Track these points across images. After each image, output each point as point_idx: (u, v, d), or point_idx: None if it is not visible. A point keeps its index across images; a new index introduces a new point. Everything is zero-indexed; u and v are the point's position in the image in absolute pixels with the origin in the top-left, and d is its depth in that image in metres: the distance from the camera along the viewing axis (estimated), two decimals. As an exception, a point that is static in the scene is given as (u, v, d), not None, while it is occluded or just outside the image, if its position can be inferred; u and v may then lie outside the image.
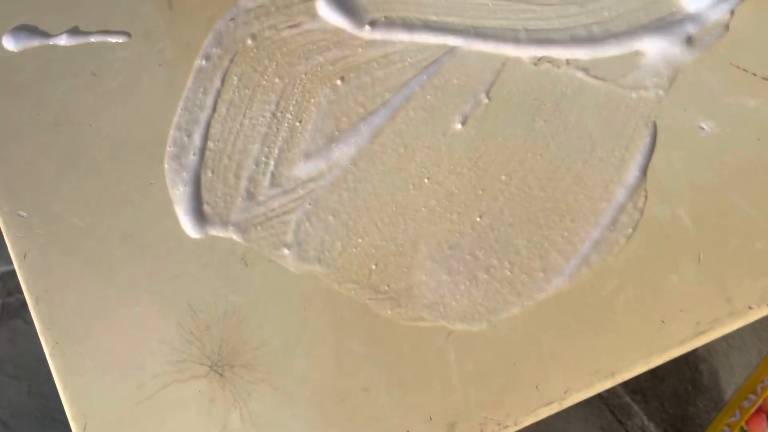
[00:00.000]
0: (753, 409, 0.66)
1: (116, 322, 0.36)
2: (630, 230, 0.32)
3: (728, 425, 0.69)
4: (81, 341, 0.36)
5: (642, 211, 0.32)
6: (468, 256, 0.34)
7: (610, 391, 0.75)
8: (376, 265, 0.35)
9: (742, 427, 0.67)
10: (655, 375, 0.75)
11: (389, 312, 0.34)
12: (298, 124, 0.37)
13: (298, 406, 0.34)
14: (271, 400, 0.34)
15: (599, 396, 0.75)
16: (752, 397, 0.70)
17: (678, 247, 0.31)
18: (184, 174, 0.37)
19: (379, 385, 0.33)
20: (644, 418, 0.74)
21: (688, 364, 0.75)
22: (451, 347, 0.33)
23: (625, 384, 0.74)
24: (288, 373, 0.34)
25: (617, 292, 0.32)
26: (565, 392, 0.31)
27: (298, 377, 0.34)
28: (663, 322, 0.31)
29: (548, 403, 0.32)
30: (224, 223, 0.36)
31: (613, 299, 0.32)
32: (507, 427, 0.32)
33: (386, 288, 0.34)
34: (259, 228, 0.36)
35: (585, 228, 0.33)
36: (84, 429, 0.36)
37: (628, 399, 0.76)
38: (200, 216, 0.37)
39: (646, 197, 0.32)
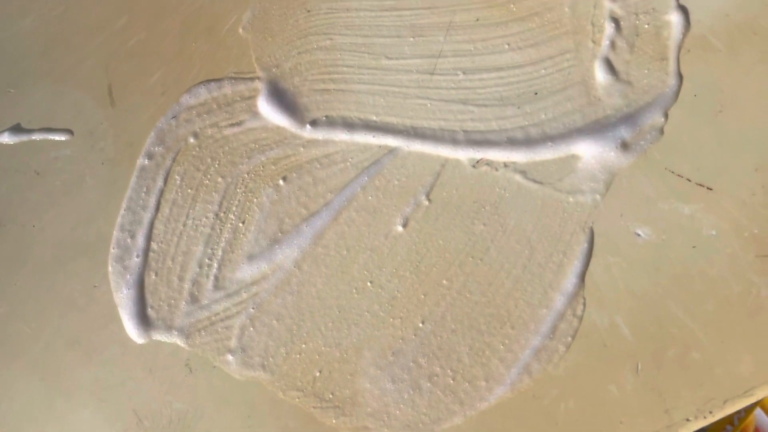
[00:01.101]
0: (730, 441, 0.66)
1: (64, 429, 0.36)
2: (569, 338, 0.32)
3: (706, 456, 0.69)
4: (29, 449, 0.36)
5: (581, 319, 0.32)
6: (411, 363, 0.33)
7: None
8: (320, 371, 0.34)
9: (720, 459, 0.66)
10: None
11: (334, 421, 0.34)
12: (241, 224, 0.37)
13: None
14: None
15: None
16: (729, 428, 0.70)
17: (616, 356, 0.31)
18: (128, 276, 0.37)
19: (325, 495, 0.33)
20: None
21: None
22: (395, 457, 0.33)
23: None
24: (234, 483, 0.34)
25: (558, 402, 0.32)
26: (507, 504, 0.31)
27: (244, 488, 0.34)
28: (603, 433, 0.31)
29: None
30: (168, 328, 0.36)
31: (554, 409, 0.32)
32: None
33: (330, 396, 0.34)
34: (203, 333, 0.36)
35: (525, 335, 0.33)
36: None
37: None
38: (144, 320, 0.36)
39: (584, 305, 0.32)
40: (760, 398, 0.29)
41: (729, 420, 0.71)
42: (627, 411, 0.31)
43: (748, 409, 0.69)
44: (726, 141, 0.32)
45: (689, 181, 0.32)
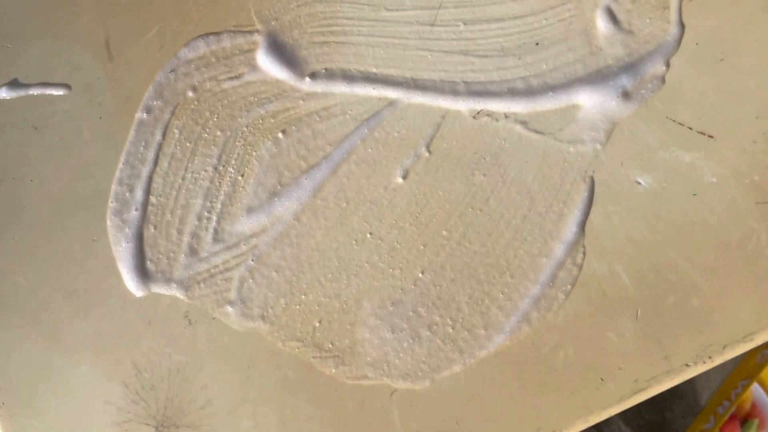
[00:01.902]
0: (727, 416, 0.67)
1: (62, 383, 0.36)
2: (569, 287, 0.32)
3: (703, 431, 0.69)
4: (27, 402, 0.36)
5: (580, 268, 0.32)
6: (411, 313, 0.33)
7: (587, 400, 0.75)
8: (319, 322, 0.34)
9: (716, 434, 0.67)
10: (630, 383, 0.75)
11: (333, 370, 0.34)
12: (240, 178, 0.36)
13: (244, 467, 0.34)
14: (216, 461, 0.34)
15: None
16: (726, 403, 0.71)
17: (616, 304, 0.31)
18: (127, 230, 0.37)
19: (324, 444, 0.33)
20: (621, 423, 0.75)
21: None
22: (394, 406, 0.33)
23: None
24: (233, 433, 0.34)
25: (557, 350, 0.32)
26: (506, 451, 0.32)
27: (244, 437, 0.34)
28: (602, 380, 0.31)
29: (490, 462, 0.32)
30: (167, 281, 0.36)
31: (554, 357, 0.32)
32: (450, 486, 0.32)
33: (330, 346, 0.34)
34: (202, 285, 0.36)
35: (525, 284, 0.32)
36: (31, 491, 0.35)
37: (604, 406, 0.76)
38: (143, 273, 0.36)
39: (584, 253, 0.32)
40: (759, 343, 0.29)
41: (726, 395, 0.72)
42: (626, 358, 0.31)
43: (745, 385, 0.69)
44: (727, 89, 0.32)
45: (690, 129, 0.32)
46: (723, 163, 0.31)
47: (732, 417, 0.68)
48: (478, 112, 0.34)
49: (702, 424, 0.70)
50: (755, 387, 0.67)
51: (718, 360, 0.30)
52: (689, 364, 0.30)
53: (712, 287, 0.30)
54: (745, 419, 0.67)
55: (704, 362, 0.30)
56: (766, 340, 0.30)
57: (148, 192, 0.37)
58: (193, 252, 0.36)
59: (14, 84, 0.40)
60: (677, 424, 0.74)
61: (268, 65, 0.37)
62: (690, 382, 0.75)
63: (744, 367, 0.70)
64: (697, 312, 0.30)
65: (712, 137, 0.31)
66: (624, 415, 0.76)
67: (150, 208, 0.37)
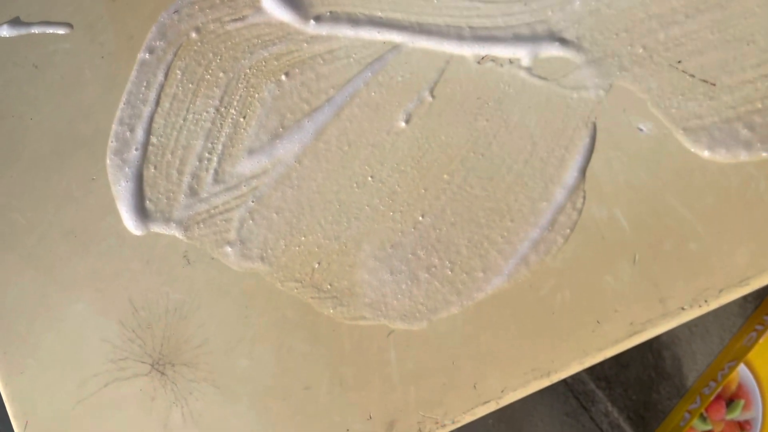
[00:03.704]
0: (713, 396, 0.67)
1: (57, 320, 0.36)
2: (568, 231, 0.32)
3: (689, 411, 0.70)
4: (22, 339, 0.36)
5: (580, 212, 0.32)
6: (410, 255, 0.34)
7: (575, 378, 0.76)
8: (319, 263, 0.34)
9: (702, 414, 0.68)
10: (619, 362, 0.76)
11: (331, 311, 0.34)
12: (242, 119, 0.36)
13: (240, 405, 0.34)
14: (212, 399, 0.34)
15: (564, 382, 0.76)
16: (712, 384, 0.71)
17: (614, 248, 0.32)
18: (127, 169, 0.37)
19: (320, 383, 0.34)
20: (608, 404, 0.75)
21: (651, 351, 0.76)
22: (391, 346, 0.33)
23: (590, 370, 0.75)
24: (230, 371, 0.34)
25: (554, 293, 0.32)
26: (501, 391, 0.32)
27: (240, 376, 0.34)
28: (598, 322, 0.31)
29: (485, 402, 0.32)
30: (167, 220, 0.36)
31: (551, 299, 0.32)
32: (444, 425, 0.32)
33: (329, 287, 0.34)
34: (201, 225, 0.36)
35: (524, 228, 0.33)
36: (25, 427, 0.35)
37: (592, 385, 0.77)
38: (142, 212, 0.36)
39: (584, 198, 0.32)
40: (755, 288, 0.30)
41: (712, 376, 0.72)
42: (622, 300, 0.31)
43: (732, 366, 0.70)
44: (729, 37, 0.32)
45: (693, 76, 0.32)
46: (724, 110, 0.32)
47: (718, 397, 0.69)
48: (483, 58, 0.34)
49: (688, 405, 0.71)
50: (741, 368, 0.68)
51: (714, 304, 0.30)
52: (685, 307, 0.30)
53: (709, 232, 0.31)
54: (731, 400, 0.68)
55: (700, 306, 0.30)
56: (762, 284, 0.30)
57: (148, 132, 0.37)
58: (193, 192, 0.36)
59: (16, 22, 0.39)
60: (663, 404, 0.74)
61: (272, 7, 0.37)
62: (677, 364, 0.76)
63: (731, 349, 0.71)
64: (694, 256, 0.31)
65: (714, 85, 0.32)
66: (611, 395, 0.76)
67: (150, 148, 0.37)
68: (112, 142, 0.37)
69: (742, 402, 0.69)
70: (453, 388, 0.32)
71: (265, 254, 0.35)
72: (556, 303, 0.32)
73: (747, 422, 0.68)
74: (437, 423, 0.32)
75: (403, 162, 0.34)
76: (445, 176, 0.34)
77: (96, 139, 0.37)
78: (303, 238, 0.35)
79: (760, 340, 0.67)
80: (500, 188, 0.33)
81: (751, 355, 0.69)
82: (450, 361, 0.32)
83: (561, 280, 0.32)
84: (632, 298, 0.31)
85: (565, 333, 0.31)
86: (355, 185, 0.35)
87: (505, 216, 0.33)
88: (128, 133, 0.37)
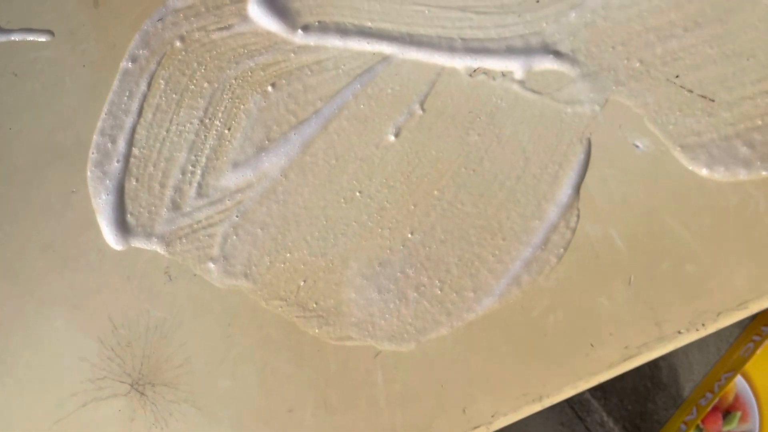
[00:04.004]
0: (709, 408, 0.66)
1: (35, 338, 0.35)
2: (561, 250, 0.31)
3: (685, 423, 0.69)
4: (-2, 356, 0.35)
5: (574, 231, 0.31)
6: (398, 274, 0.33)
7: (570, 388, 0.75)
8: (304, 281, 0.33)
9: (698, 425, 0.67)
10: (614, 372, 0.75)
11: (317, 330, 0.33)
12: (226, 131, 0.35)
13: (221, 428, 0.33)
14: (192, 420, 0.33)
15: (559, 393, 0.75)
16: (709, 395, 0.70)
17: (609, 268, 0.31)
18: (108, 182, 0.36)
19: (305, 406, 0.32)
20: (603, 414, 0.74)
21: (647, 362, 0.74)
22: (378, 368, 0.32)
23: (585, 381, 0.74)
24: (211, 392, 0.33)
25: (547, 314, 0.31)
26: (492, 416, 0.31)
27: (222, 397, 0.33)
28: (592, 345, 0.30)
29: (475, 427, 0.31)
30: (148, 235, 0.35)
31: (543, 321, 0.31)
32: (433, 451, 0.31)
33: (314, 305, 0.33)
34: (184, 240, 0.35)
35: (516, 247, 0.32)
36: (0, 448, 0.34)
37: (587, 395, 0.76)
38: (123, 227, 0.35)
39: (578, 217, 0.31)
40: (754, 311, 0.29)
41: (709, 387, 0.71)
42: (617, 323, 0.30)
43: (729, 377, 0.69)
44: (729, 52, 0.31)
45: (691, 92, 0.31)
46: (723, 127, 0.31)
47: (714, 409, 0.68)
48: (475, 70, 0.33)
49: (684, 416, 0.70)
50: (739, 379, 0.67)
51: (711, 328, 0.29)
52: (681, 331, 0.29)
53: (707, 254, 0.30)
54: (727, 411, 0.67)
55: (697, 329, 0.29)
56: (762, 308, 0.29)
57: (130, 144, 0.36)
58: (175, 206, 0.35)
59: (-5, 28, 0.38)
60: (660, 415, 0.74)
61: (259, 16, 0.36)
62: (673, 374, 0.75)
63: (728, 360, 0.70)
64: (691, 278, 0.30)
65: (712, 101, 0.31)
66: (606, 405, 0.75)
67: (132, 160, 0.36)
68: (92, 153, 0.36)
69: (738, 414, 0.68)
70: (442, 412, 0.31)
71: (249, 271, 0.34)
72: (548, 325, 0.31)
73: (744, 434, 0.67)
74: (425, 448, 0.31)
75: (392, 177, 0.33)
76: (436, 192, 0.33)
77: (76, 150, 0.36)
78: (288, 255, 0.34)
79: (758, 351, 0.66)
80: (492, 205, 0.32)
81: (749, 366, 0.68)
82: (439, 384, 0.31)
83: (554, 301, 0.31)
84: (627, 320, 0.30)
85: (558, 356, 0.30)
86: (342, 200, 0.34)
87: (496, 234, 0.32)
88: (110, 145, 0.36)
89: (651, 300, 0.30)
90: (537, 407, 0.30)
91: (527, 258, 0.31)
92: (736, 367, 0.67)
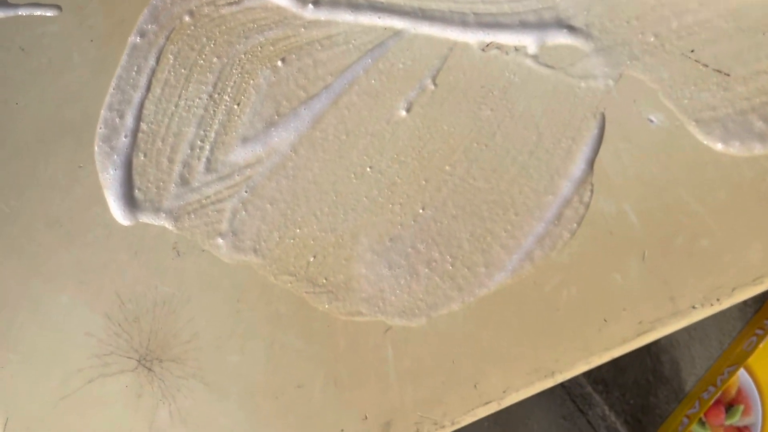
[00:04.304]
0: (712, 401, 0.66)
1: (41, 313, 0.34)
2: (574, 225, 0.31)
3: (687, 416, 0.69)
4: (3, 333, 0.34)
5: (587, 206, 0.31)
6: (409, 249, 0.32)
7: (572, 381, 0.75)
8: (314, 256, 0.33)
9: (700, 419, 0.67)
10: (616, 365, 0.75)
11: (326, 306, 0.32)
12: (236, 106, 0.35)
13: (229, 403, 0.33)
14: (201, 396, 0.33)
15: (561, 385, 0.75)
16: (711, 389, 0.70)
17: (623, 243, 0.30)
18: (115, 157, 0.35)
19: (314, 381, 0.32)
20: (605, 407, 0.74)
21: (649, 355, 0.74)
22: (388, 343, 0.32)
23: (587, 374, 0.74)
24: (219, 368, 0.33)
25: (560, 289, 0.31)
26: (503, 391, 0.30)
27: (230, 372, 0.33)
28: (605, 321, 0.30)
29: (486, 403, 0.30)
30: (156, 210, 0.34)
31: (556, 296, 0.31)
32: (444, 426, 0.31)
33: (324, 281, 0.33)
34: (192, 216, 0.34)
35: (529, 222, 0.31)
36: (6, 424, 0.34)
37: (589, 389, 0.76)
38: (131, 202, 0.35)
39: (592, 191, 0.31)
40: (768, 286, 0.28)
41: (712, 381, 0.71)
42: (631, 298, 0.30)
43: (732, 371, 0.69)
44: (744, 26, 0.31)
45: (706, 66, 0.31)
46: (738, 101, 0.30)
47: (717, 402, 0.68)
48: (488, 45, 0.33)
49: (687, 409, 0.70)
50: (741, 373, 0.67)
51: (726, 303, 0.29)
52: (696, 306, 0.29)
53: (722, 228, 0.29)
54: (730, 405, 0.67)
55: (711, 304, 0.29)
56: (776, 283, 0.29)
57: (139, 119, 0.35)
58: (184, 181, 0.35)
59: (2, 4, 0.38)
60: (662, 408, 0.73)
61: (269, -9, 0.35)
62: (675, 368, 0.75)
63: (731, 353, 0.70)
64: (706, 253, 0.29)
65: (728, 75, 0.30)
66: (608, 398, 0.75)
67: (140, 135, 0.35)
68: (100, 128, 0.36)
69: (741, 407, 0.68)
70: (452, 387, 0.31)
71: (258, 246, 0.33)
72: (561, 300, 0.30)
73: (746, 428, 0.67)
74: (435, 424, 0.31)
75: (404, 152, 0.33)
76: (447, 167, 0.33)
77: (84, 125, 0.36)
78: (298, 230, 0.33)
79: (761, 345, 0.66)
80: (504, 180, 0.32)
81: (751, 360, 0.68)
82: (450, 360, 0.31)
83: (567, 276, 0.31)
84: (641, 296, 0.30)
85: (571, 331, 0.30)
86: (352, 176, 0.33)
87: (509, 209, 0.32)
88: (117, 120, 0.36)
89: (665, 275, 0.30)
90: (549, 383, 0.30)
91: (540, 233, 0.31)
92: (739, 361, 0.67)
